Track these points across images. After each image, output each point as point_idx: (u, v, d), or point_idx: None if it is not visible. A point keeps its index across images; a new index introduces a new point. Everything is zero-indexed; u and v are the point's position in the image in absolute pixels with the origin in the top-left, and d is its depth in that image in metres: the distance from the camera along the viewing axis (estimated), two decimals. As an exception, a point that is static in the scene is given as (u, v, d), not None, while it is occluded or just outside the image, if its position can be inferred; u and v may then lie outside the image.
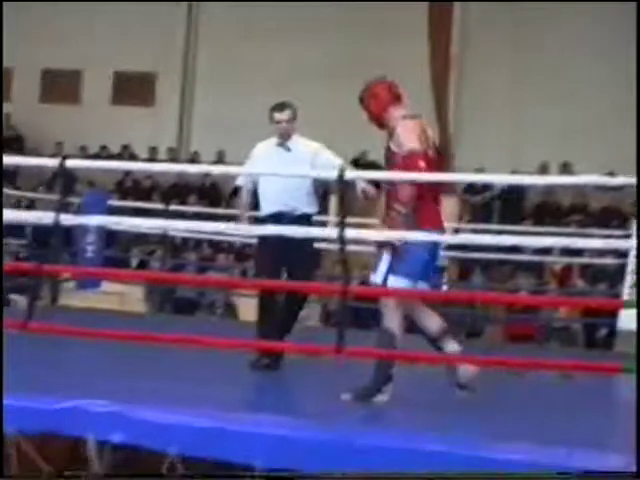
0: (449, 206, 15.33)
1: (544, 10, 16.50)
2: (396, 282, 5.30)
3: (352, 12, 17.63)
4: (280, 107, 6.66)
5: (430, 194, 5.32)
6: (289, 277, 6.61)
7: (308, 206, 6.63)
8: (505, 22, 17.12)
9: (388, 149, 5.42)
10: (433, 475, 3.92)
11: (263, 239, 6.54)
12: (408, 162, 5.24)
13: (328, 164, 6.46)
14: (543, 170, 15.48)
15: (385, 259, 5.34)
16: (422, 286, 5.40)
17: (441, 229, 5.37)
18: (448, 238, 5.33)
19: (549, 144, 15.99)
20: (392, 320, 5.30)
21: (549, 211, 15.42)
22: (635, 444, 3.79)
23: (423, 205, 5.29)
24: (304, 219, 6.47)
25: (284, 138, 6.64)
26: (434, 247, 5.38)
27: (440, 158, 5.45)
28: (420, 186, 5.21)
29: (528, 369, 6.32)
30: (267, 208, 6.65)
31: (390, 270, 5.31)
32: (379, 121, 5.52)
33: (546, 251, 12.91)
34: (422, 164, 5.25)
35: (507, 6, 16.89)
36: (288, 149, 6.64)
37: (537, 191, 15.69)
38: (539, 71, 16.80)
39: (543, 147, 15.98)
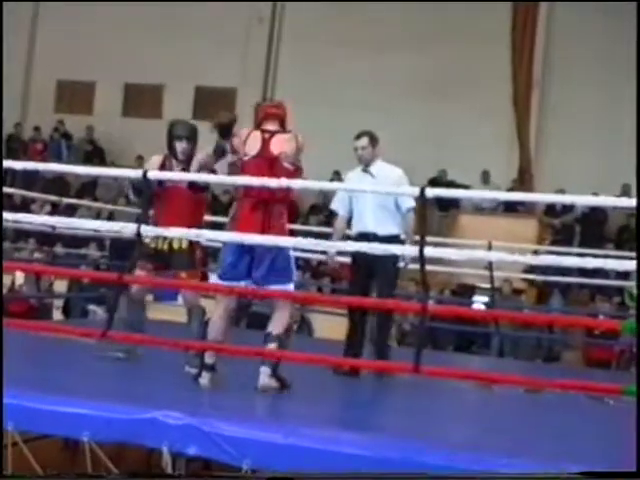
0: (527, 228, 15.30)
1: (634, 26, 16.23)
2: (214, 278, 5.79)
3: (433, 28, 17.63)
4: (358, 135, 7.16)
5: (248, 199, 5.58)
6: (377, 295, 7.00)
7: (391, 227, 6.99)
8: (589, 43, 16.91)
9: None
10: (435, 475, 3.89)
11: (353, 258, 7.05)
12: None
13: (403, 199, 6.96)
14: (625, 193, 15.17)
15: None
16: (233, 285, 5.56)
17: (250, 232, 5.42)
18: (250, 240, 5.34)
19: (632, 167, 15.68)
20: (216, 311, 5.68)
21: (631, 234, 15.10)
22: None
23: (240, 209, 5.64)
24: (387, 240, 6.62)
25: (364, 164, 7.09)
26: (241, 249, 5.52)
27: (270, 166, 5.60)
28: (239, 190, 5.71)
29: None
30: (354, 228, 7.14)
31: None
32: None
33: (626, 275, 12.68)
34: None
35: (593, 23, 16.72)
36: (372, 175, 7.03)
37: (619, 214, 15.43)
38: (622, 93, 16.55)
39: (627, 170, 15.67)
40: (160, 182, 6.30)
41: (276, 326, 5.58)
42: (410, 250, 5.34)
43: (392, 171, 7.09)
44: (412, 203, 6.97)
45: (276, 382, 5.43)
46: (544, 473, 3.79)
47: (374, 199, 6.91)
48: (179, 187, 6.39)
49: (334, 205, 7.33)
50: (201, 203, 6.62)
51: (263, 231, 5.48)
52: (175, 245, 6.37)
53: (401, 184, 6.92)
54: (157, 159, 6.62)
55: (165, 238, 6.34)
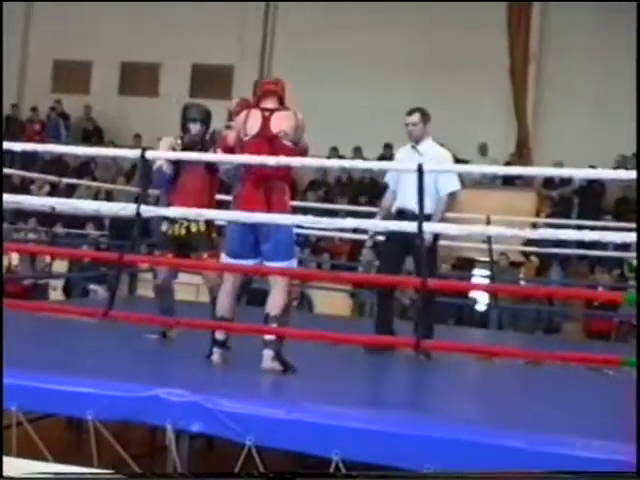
0: (526, 200, 15.30)
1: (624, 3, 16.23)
2: (224, 258, 5.80)
3: (430, 4, 17.55)
4: (410, 111, 7.15)
5: (250, 177, 5.61)
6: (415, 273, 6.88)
7: (429, 208, 6.71)
8: (585, 15, 16.90)
9: None
10: (436, 475, 3.92)
11: (388, 236, 6.98)
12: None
13: (443, 183, 6.88)
14: (621, 164, 15.15)
15: None
16: (241, 263, 5.63)
17: (250, 210, 5.43)
18: (254, 218, 5.34)
19: (629, 138, 15.68)
20: (222, 288, 5.78)
21: (629, 206, 15.10)
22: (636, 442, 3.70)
23: (242, 187, 5.73)
24: (426, 219, 6.49)
25: (413, 140, 7.06)
26: (244, 227, 5.52)
27: (270, 144, 5.59)
28: (241, 168, 5.81)
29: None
30: (395, 205, 7.05)
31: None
32: None
33: (625, 247, 12.67)
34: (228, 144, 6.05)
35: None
36: (419, 153, 6.94)
37: (617, 186, 15.42)
38: (618, 64, 16.53)
39: (622, 141, 15.69)
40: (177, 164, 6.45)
41: (274, 307, 5.54)
42: (409, 226, 5.32)
43: (440, 152, 7.00)
44: (452, 188, 6.92)
45: (279, 365, 5.42)
46: (544, 473, 3.80)
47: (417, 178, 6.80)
48: (195, 169, 6.44)
49: (386, 178, 7.31)
50: (215, 185, 6.66)
51: (267, 208, 5.49)
52: (193, 229, 6.44)
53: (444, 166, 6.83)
54: (167, 141, 6.66)
55: (182, 223, 6.40)
